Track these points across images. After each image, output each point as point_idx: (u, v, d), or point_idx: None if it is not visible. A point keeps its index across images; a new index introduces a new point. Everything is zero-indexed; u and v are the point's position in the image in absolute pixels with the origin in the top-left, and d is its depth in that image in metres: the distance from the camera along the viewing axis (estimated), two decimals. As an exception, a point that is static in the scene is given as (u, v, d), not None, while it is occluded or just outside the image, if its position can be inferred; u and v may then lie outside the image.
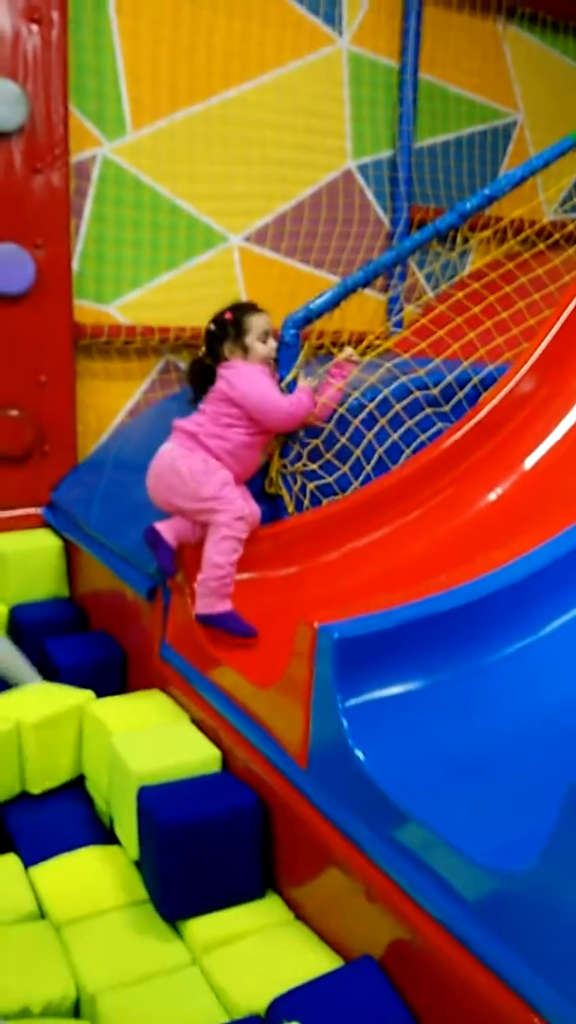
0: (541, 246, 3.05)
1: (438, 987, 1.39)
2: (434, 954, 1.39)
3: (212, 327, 2.51)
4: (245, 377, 2.42)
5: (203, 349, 2.54)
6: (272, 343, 2.52)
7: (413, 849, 1.47)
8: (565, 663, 1.86)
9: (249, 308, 2.53)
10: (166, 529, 2.36)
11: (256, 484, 2.63)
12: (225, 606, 2.28)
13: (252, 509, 2.43)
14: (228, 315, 2.50)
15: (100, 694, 2.45)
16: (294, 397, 2.49)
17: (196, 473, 2.33)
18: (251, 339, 2.47)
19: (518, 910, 1.27)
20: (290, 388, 2.58)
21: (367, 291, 3.69)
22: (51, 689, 2.47)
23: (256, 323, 2.49)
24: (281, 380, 2.62)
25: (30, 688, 2.50)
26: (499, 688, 1.81)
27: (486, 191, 2.76)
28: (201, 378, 2.53)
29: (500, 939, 1.29)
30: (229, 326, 2.48)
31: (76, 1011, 1.65)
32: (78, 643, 2.84)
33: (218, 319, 2.51)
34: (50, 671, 2.67)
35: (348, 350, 2.66)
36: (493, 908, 1.31)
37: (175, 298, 3.64)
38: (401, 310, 3.97)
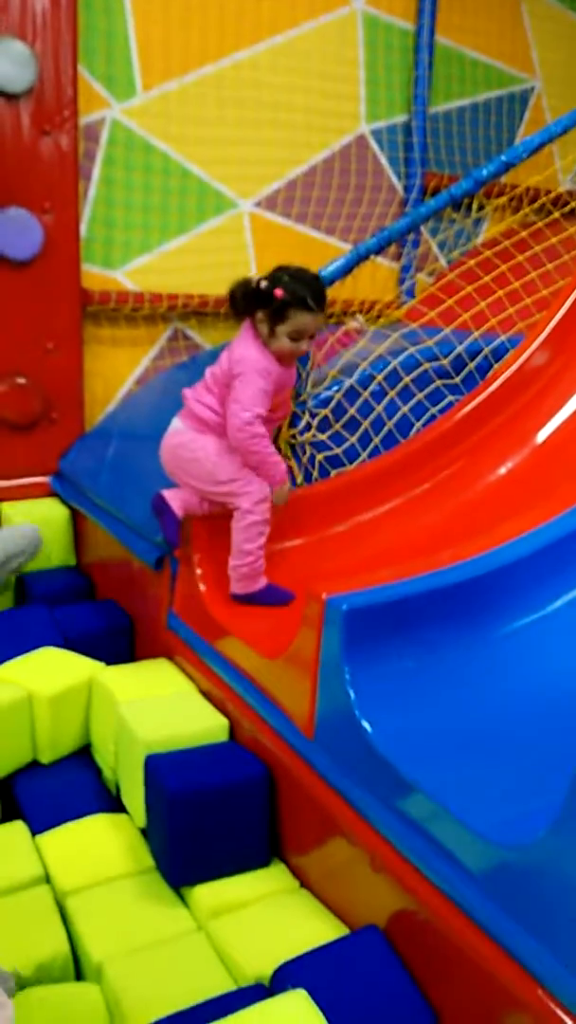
0: (556, 214, 3.00)
1: (442, 957, 1.40)
2: (438, 924, 1.40)
3: (262, 286, 2.18)
4: (248, 368, 2.19)
5: (260, 281, 2.20)
6: (303, 346, 2.23)
7: (418, 820, 1.48)
8: (573, 637, 1.86)
9: (303, 301, 2.18)
10: (173, 498, 2.33)
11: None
12: (261, 583, 2.27)
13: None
14: (279, 292, 2.17)
15: (107, 663, 2.46)
16: (262, 442, 2.22)
17: (211, 455, 2.26)
18: (283, 329, 2.19)
19: (523, 882, 1.27)
20: (301, 358, 2.54)
21: (379, 258, 3.64)
22: (63, 657, 2.47)
23: (300, 321, 2.19)
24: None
25: (43, 654, 2.48)
26: (507, 661, 1.80)
27: (503, 157, 2.72)
28: (247, 299, 2.22)
29: (504, 910, 1.30)
30: (273, 301, 2.17)
31: (77, 975, 1.67)
32: (86, 612, 2.85)
33: (268, 289, 2.17)
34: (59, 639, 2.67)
35: (358, 318, 2.56)
36: (498, 880, 1.32)
37: (184, 264, 3.60)
38: (414, 278, 3.93)
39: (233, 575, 2.29)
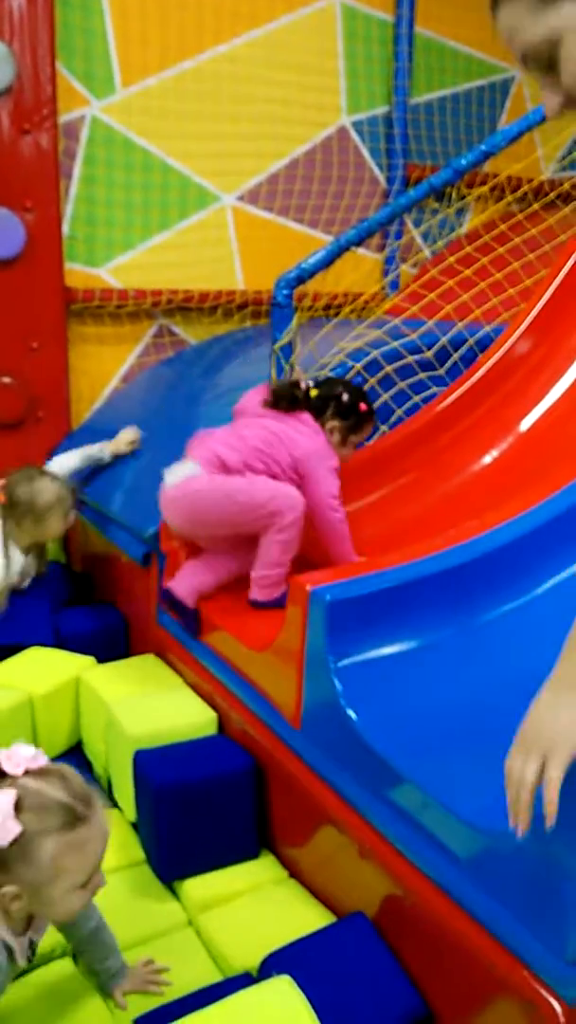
0: (536, 206, 3.00)
1: (429, 942, 1.41)
2: (425, 910, 1.40)
3: (344, 398, 2.32)
4: (330, 464, 2.26)
5: (315, 391, 2.35)
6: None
7: (405, 807, 1.48)
8: (558, 623, 1.85)
9: (372, 419, 2.40)
10: (181, 588, 2.25)
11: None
12: (283, 588, 2.20)
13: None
14: (363, 407, 2.34)
15: (103, 661, 2.46)
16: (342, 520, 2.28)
17: (242, 485, 2.16)
18: (354, 439, 2.37)
19: (507, 867, 1.28)
20: (284, 352, 2.55)
21: (363, 251, 3.65)
22: (52, 656, 2.47)
23: (367, 431, 2.40)
24: (275, 342, 2.59)
25: (32, 654, 2.48)
26: (492, 648, 1.80)
27: (482, 147, 2.71)
28: (287, 399, 2.34)
29: (490, 895, 1.30)
30: (354, 415, 2.33)
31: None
32: (80, 612, 2.85)
33: (353, 402, 2.33)
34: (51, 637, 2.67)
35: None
36: (483, 865, 1.32)
37: (168, 260, 3.60)
38: (398, 269, 3.93)
39: (259, 583, 2.21)
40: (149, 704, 2.13)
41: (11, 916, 1.25)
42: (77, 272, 3.42)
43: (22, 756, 1.24)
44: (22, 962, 1.31)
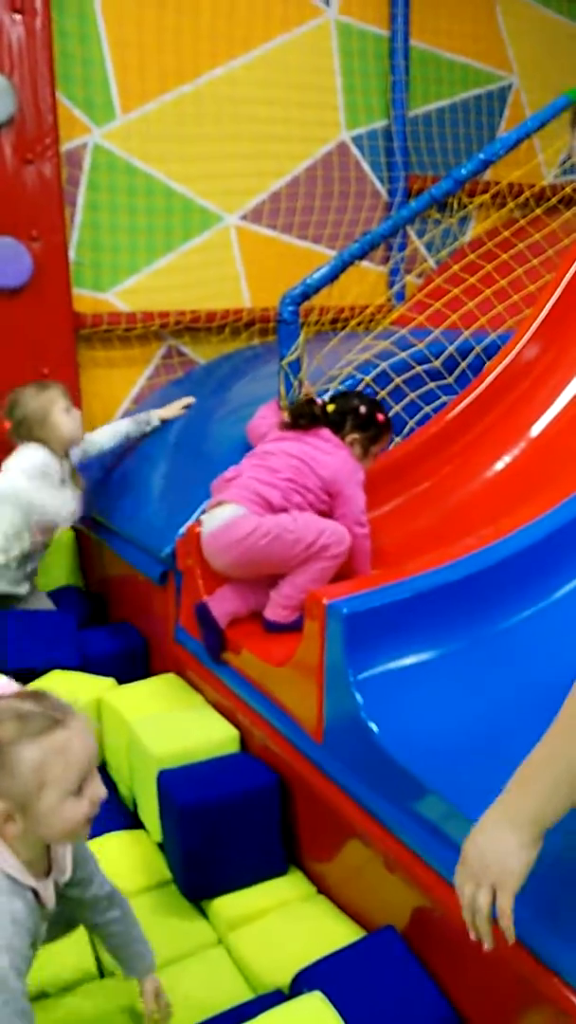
0: (538, 211, 3.01)
1: (459, 953, 1.40)
2: (454, 921, 1.39)
3: (361, 410, 2.34)
4: (357, 480, 2.27)
5: (331, 405, 2.36)
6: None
7: (431, 819, 1.48)
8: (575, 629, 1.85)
9: (390, 428, 2.43)
10: (219, 609, 2.22)
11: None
12: (299, 613, 2.14)
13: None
14: (381, 417, 2.36)
15: (124, 681, 2.47)
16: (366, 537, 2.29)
17: (288, 524, 2.14)
18: (375, 450, 2.39)
19: (536, 875, 1.27)
20: (292, 367, 2.56)
21: (367, 263, 3.67)
22: (73, 679, 2.48)
23: (385, 441, 2.42)
24: (282, 358, 2.61)
25: (53, 678, 2.50)
26: (512, 655, 1.80)
27: (481, 155, 2.73)
28: (306, 417, 2.34)
29: (519, 904, 1.29)
30: (374, 427, 2.35)
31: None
32: (100, 634, 2.84)
33: (371, 413, 2.35)
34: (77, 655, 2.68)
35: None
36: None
37: (174, 282, 3.63)
38: (403, 281, 3.94)
39: (281, 603, 2.18)
40: (171, 723, 2.13)
41: (16, 848, 1.23)
42: (85, 297, 3.46)
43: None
44: (51, 906, 1.29)
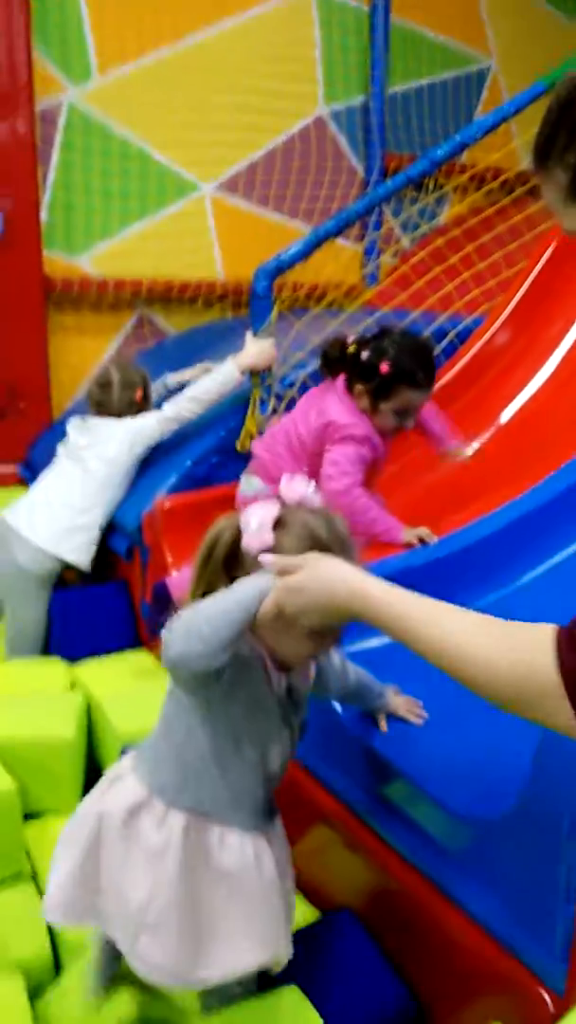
0: (505, 201, 3.01)
1: (418, 936, 1.42)
2: (414, 903, 1.42)
3: (363, 356, 2.01)
4: (348, 434, 2.02)
5: (352, 347, 2.06)
6: (409, 423, 2.05)
7: (393, 799, 1.50)
8: (540, 614, 1.88)
9: (411, 377, 1.99)
10: (178, 587, 2.07)
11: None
12: None
13: None
14: (385, 367, 1.98)
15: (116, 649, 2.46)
16: (366, 503, 2.02)
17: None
18: (388, 406, 2.01)
19: (497, 858, 1.30)
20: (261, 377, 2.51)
21: (342, 241, 3.65)
22: (26, 666, 2.45)
23: (407, 398, 2.01)
24: (254, 333, 2.60)
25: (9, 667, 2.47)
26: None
27: (458, 137, 2.72)
28: (325, 361, 2.12)
29: (479, 887, 1.32)
30: (377, 378, 1.99)
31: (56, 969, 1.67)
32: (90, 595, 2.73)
33: (372, 362, 2.00)
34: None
35: (423, 531, 2.06)
36: (472, 857, 1.34)
37: (147, 249, 3.58)
38: (377, 259, 3.93)
39: None
40: (139, 700, 2.13)
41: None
42: (56, 261, 3.40)
43: (300, 487, 1.23)
44: (280, 692, 1.27)
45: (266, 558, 1.15)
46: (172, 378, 2.90)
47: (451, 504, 2.28)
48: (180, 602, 2.06)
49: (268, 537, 1.18)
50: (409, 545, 2.01)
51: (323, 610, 1.11)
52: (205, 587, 1.22)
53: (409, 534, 2.03)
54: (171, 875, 1.21)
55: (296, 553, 1.16)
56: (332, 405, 2.05)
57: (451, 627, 1.02)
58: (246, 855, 1.23)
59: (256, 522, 1.19)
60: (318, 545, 1.17)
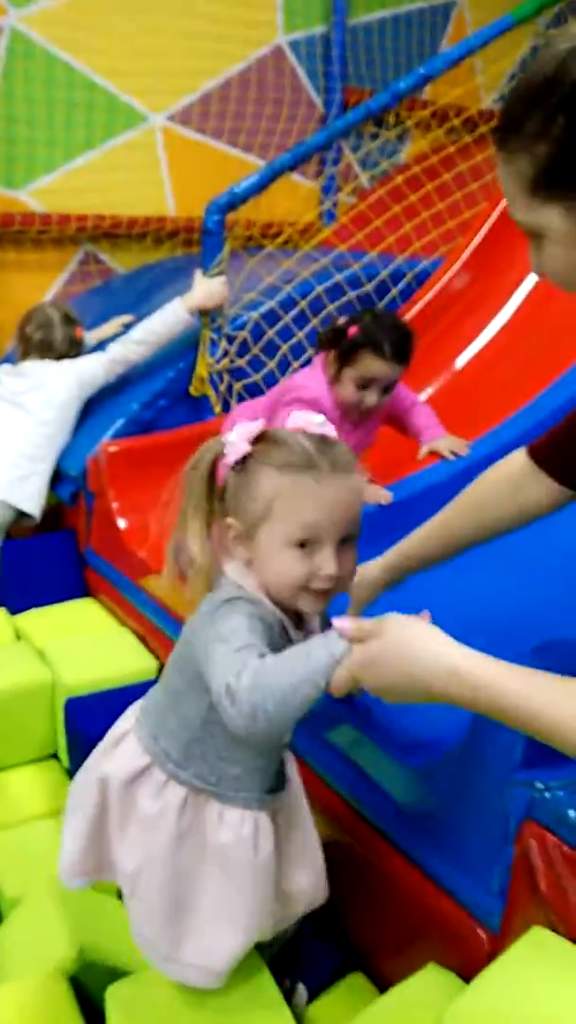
0: (468, 139, 2.93)
1: (356, 878, 1.41)
2: (352, 846, 1.41)
3: (340, 322, 2.02)
4: (297, 396, 1.97)
5: (339, 318, 2.10)
6: (370, 398, 1.98)
7: (336, 744, 1.49)
8: (483, 565, 1.86)
9: (377, 345, 1.94)
10: None
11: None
12: None
13: None
14: (352, 329, 1.96)
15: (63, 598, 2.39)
16: None
17: None
18: (350, 373, 1.96)
19: (434, 801, 1.29)
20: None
21: (298, 177, 3.54)
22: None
23: (370, 367, 1.95)
24: (205, 271, 2.50)
25: None
26: (423, 586, 1.80)
27: (421, 70, 2.62)
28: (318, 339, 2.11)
29: (417, 830, 1.32)
30: (344, 342, 1.96)
31: None
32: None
33: (343, 326, 1.99)
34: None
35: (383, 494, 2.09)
36: (410, 798, 1.34)
37: (93, 183, 3.43)
38: (335, 197, 3.82)
39: None
40: (87, 650, 2.07)
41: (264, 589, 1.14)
42: (-4, 194, 3.25)
43: (303, 417, 1.16)
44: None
45: (339, 622, 1.02)
46: (91, 335, 2.77)
47: (404, 451, 2.23)
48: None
49: (244, 448, 1.11)
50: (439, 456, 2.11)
51: (409, 690, 0.98)
52: (188, 521, 1.16)
53: (441, 443, 2.13)
54: (163, 845, 1.17)
55: (272, 463, 1.10)
56: (300, 373, 2.04)
57: None
58: (243, 834, 1.18)
59: (236, 433, 1.12)
60: (298, 454, 1.10)
